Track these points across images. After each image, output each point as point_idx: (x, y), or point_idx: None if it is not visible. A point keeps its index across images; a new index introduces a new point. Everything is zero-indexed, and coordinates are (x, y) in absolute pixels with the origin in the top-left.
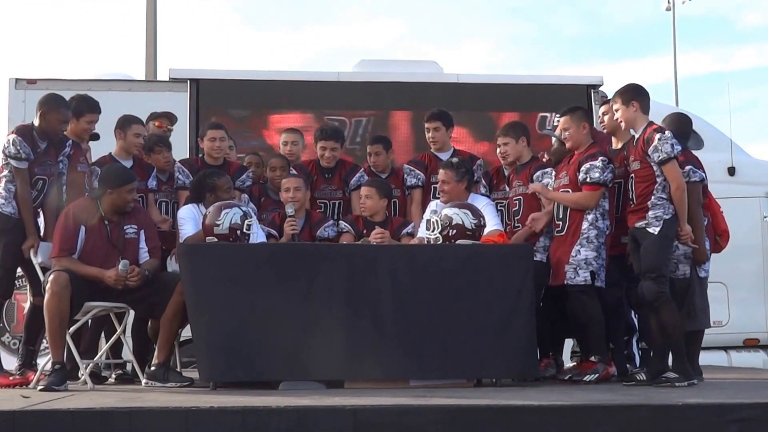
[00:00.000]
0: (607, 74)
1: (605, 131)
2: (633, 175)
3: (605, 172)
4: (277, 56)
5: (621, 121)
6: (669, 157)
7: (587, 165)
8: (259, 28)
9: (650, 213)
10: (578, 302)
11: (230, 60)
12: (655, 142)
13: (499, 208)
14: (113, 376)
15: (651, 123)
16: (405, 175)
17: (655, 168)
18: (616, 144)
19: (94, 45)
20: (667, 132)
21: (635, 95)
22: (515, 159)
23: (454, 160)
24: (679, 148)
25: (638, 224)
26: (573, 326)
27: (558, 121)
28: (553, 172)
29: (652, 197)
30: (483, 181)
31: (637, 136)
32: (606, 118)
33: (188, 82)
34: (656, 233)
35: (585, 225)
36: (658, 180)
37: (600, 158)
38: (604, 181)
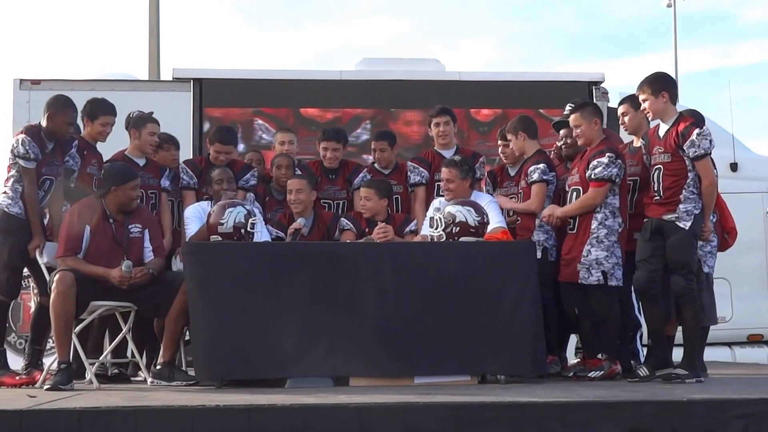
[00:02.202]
0: (608, 71)
1: (627, 132)
2: (661, 166)
3: (610, 167)
4: (279, 55)
5: (648, 112)
6: (705, 153)
7: (594, 162)
8: (262, 27)
9: (681, 206)
10: (596, 300)
11: (233, 59)
12: (693, 137)
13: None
14: (109, 373)
15: (683, 115)
16: (408, 173)
17: (687, 162)
18: (637, 142)
19: (98, 45)
20: (705, 127)
21: (665, 85)
22: (521, 154)
23: (457, 157)
24: (714, 144)
25: (667, 217)
26: (576, 323)
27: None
28: (542, 166)
29: (684, 191)
30: (488, 178)
31: (667, 128)
32: (627, 119)
33: (191, 81)
34: (687, 228)
35: (594, 224)
36: (690, 175)
37: (607, 154)
38: (608, 177)
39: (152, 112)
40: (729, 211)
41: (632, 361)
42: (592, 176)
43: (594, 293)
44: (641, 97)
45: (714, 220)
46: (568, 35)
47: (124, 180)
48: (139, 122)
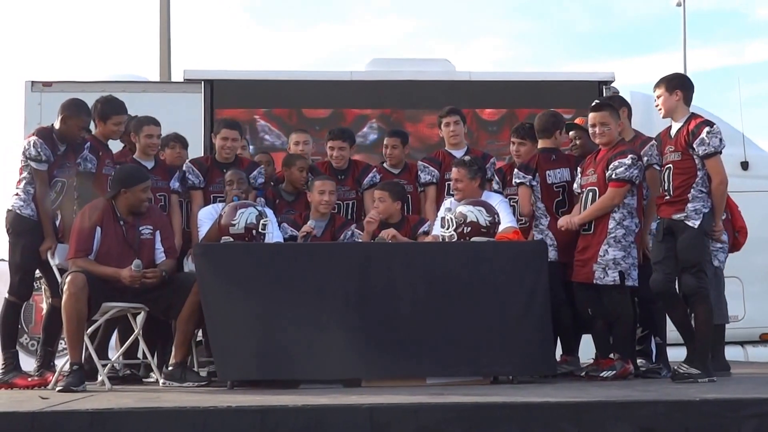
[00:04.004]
0: (616, 69)
1: None
2: (671, 165)
3: (631, 169)
4: (289, 56)
5: (661, 109)
6: (716, 151)
7: (615, 163)
8: (271, 28)
9: (690, 205)
10: (610, 300)
11: (243, 60)
12: (703, 135)
13: (512, 203)
14: (121, 374)
15: (695, 115)
16: (419, 172)
17: (696, 161)
18: None
19: (109, 47)
20: (715, 126)
21: (680, 85)
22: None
23: (467, 158)
24: (725, 143)
25: (676, 216)
26: (589, 322)
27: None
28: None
29: (692, 190)
30: (496, 177)
31: (678, 126)
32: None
33: (202, 83)
34: (696, 227)
35: (612, 224)
36: (699, 173)
37: (629, 156)
38: (629, 178)
39: (149, 117)
40: (738, 210)
41: (643, 360)
42: (614, 176)
43: (608, 293)
44: (656, 93)
45: (724, 218)
46: (577, 34)
47: (133, 182)
48: (137, 127)
